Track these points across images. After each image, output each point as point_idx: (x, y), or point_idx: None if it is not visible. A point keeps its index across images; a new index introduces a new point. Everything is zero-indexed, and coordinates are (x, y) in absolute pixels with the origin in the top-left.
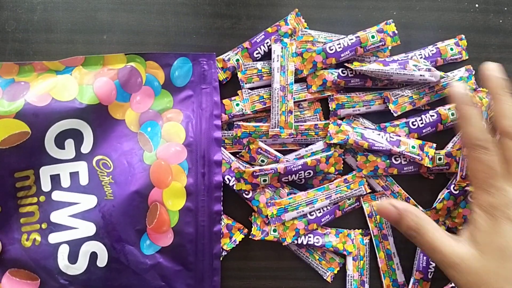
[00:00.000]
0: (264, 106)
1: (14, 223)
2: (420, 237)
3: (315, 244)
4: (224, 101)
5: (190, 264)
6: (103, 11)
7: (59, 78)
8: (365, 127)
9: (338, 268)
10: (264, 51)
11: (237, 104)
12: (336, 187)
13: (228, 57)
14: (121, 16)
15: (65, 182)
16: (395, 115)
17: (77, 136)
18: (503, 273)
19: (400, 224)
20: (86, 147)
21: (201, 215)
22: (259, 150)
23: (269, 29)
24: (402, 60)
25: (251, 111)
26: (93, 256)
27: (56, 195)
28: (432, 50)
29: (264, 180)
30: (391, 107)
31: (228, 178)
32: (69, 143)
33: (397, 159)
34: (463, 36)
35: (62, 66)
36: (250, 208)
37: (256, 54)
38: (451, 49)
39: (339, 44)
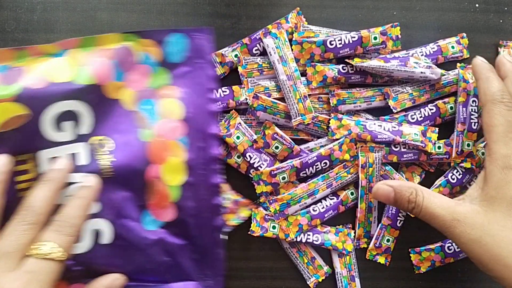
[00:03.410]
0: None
1: (13, 208)
2: (419, 207)
3: (314, 242)
4: (234, 87)
5: (194, 238)
6: (103, 11)
7: (54, 61)
8: (366, 119)
9: (323, 277)
10: (263, 47)
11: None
12: (336, 174)
13: (226, 52)
14: (121, 16)
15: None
16: (395, 111)
17: (76, 118)
18: (509, 223)
19: (398, 200)
20: (85, 129)
21: (202, 188)
22: (275, 135)
23: (270, 26)
24: (403, 57)
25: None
26: (97, 233)
27: None
28: (433, 48)
29: (283, 178)
30: (391, 103)
31: (249, 155)
32: (68, 125)
33: (396, 146)
34: (464, 34)
35: (57, 48)
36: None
37: (255, 50)
38: (452, 47)
39: (340, 40)
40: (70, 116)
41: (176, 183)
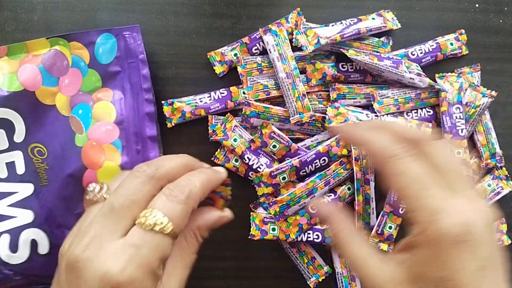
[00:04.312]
0: (267, 97)
1: None
2: (344, 248)
3: (315, 240)
4: (232, 88)
5: None
6: (103, 11)
7: None
8: (362, 109)
9: (323, 277)
10: (262, 47)
11: (243, 93)
12: (333, 171)
13: (225, 51)
14: (121, 16)
15: (2, 172)
16: (379, 115)
17: (8, 126)
18: None
19: (328, 227)
20: (19, 136)
21: None
22: (272, 134)
23: (270, 26)
24: (396, 59)
25: (254, 100)
26: (34, 243)
27: None
28: (432, 45)
29: (284, 178)
30: (376, 106)
31: (247, 157)
32: (1, 133)
33: None
34: (463, 31)
35: None
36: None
37: (255, 50)
38: (451, 44)
39: (341, 23)
40: (2, 124)
41: (113, 187)
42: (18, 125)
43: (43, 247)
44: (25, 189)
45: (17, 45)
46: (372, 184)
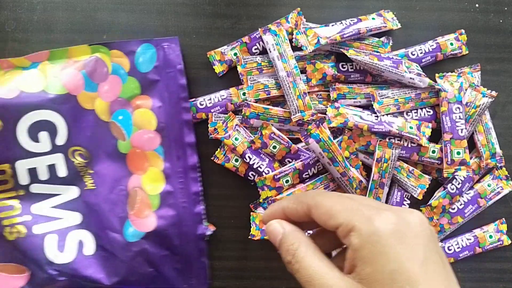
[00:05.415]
0: (268, 96)
1: None
2: (296, 262)
3: None
4: (232, 89)
5: (176, 247)
6: (103, 11)
7: (26, 73)
8: (363, 109)
9: None
10: (262, 46)
11: (243, 94)
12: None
13: (225, 50)
14: (121, 16)
15: (43, 175)
16: (379, 115)
17: (51, 128)
18: None
19: (280, 247)
20: (61, 139)
21: (181, 197)
22: (272, 135)
23: (270, 26)
24: (396, 59)
25: (255, 99)
26: (80, 244)
27: (35, 188)
28: (432, 45)
29: (287, 181)
30: (376, 106)
31: (248, 157)
32: (44, 135)
33: (391, 138)
34: (463, 31)
35: (28, 62)
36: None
37: (255, 49)
38: (451, 44)
39: (341, 23)
40: (45, 126)
41: (156, 192)
42: (60, 128)
43: (89, 248)
44: (70, 192)
45: (59, 51)
46: (386, 189)
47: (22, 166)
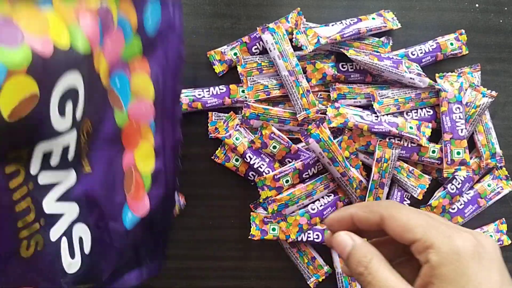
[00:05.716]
0: (268, 97)
1: (8, 229)
2: (369, 274)
3: (315, 240)
4: (232, 85)
5: (155, 226)
6: None
7: (46, 15)
8: (363, 109)
9: (323, 277)
10: (262, 46)
11: (243, 91)
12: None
13: (225, 50)
14: None
15: (55, 159)
16: (379, 115)
17: (75, 98)
18: None
19: (350, 258)
20: (79, 111)
21: (169, 176)
22: (272, 135)
23: (270, 25)
24: (396, 59)
25: (254, 100)
26: (81, 242)
27: (43, 178)
28: (432, 45)
29: (287, 181)
30: (376, 106)
31: (249, 156)
32: (69, 108)
33: (391, 138)
34: (463, 31)
35: None
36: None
37: (255, 49)
38: (451, 44)
39: (342, 23)
40: (71, 95)
41: (147, 170)
42: (80, 97)
43: (87, 245)
44: (69, 179)
45: None
46: (386, 189)
47: (40, 150)
